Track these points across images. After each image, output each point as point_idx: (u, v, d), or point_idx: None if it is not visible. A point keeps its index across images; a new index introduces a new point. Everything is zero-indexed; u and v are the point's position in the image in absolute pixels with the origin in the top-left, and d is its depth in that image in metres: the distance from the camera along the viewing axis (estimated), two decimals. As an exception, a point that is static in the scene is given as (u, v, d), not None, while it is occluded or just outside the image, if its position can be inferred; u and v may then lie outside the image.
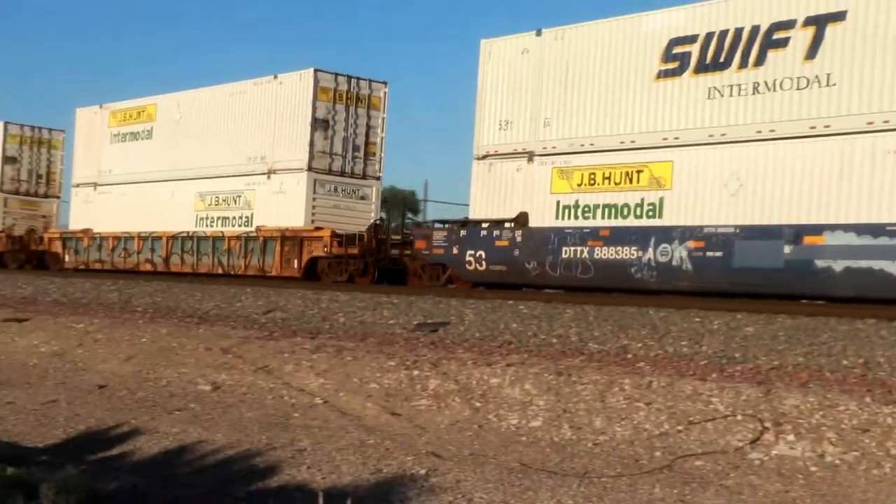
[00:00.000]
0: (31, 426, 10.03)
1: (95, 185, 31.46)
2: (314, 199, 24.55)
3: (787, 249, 15.46)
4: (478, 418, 9.65)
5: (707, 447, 8.18)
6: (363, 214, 25.21)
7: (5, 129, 33.51)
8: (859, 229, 14.81)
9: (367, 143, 25.52)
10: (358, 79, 25.35)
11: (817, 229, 15.28)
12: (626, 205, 18.02)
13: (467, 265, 20.05)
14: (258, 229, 25.63)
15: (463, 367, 10.65)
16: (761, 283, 15.92)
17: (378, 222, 24.59)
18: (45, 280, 24.01)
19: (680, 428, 8.54)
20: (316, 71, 24.48)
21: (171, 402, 11.01)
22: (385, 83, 25.93)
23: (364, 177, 25.68)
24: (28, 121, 34.75)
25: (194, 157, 27.60)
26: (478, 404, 9.90)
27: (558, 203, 19.07)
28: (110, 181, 30.90)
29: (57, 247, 32.32)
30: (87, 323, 15.74)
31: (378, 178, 26.06)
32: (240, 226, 26.30)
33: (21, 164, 33.12)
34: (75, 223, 32.19)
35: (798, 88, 15.82)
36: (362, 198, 25.60)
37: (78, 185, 32.32)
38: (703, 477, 7.55)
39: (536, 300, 16.47)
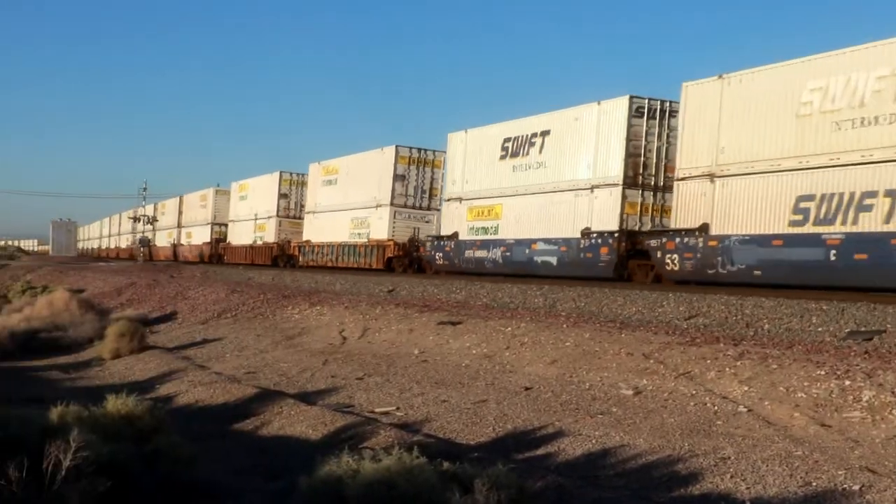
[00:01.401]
0: (464, 424, 10.85)
1: (314, 212, 47.84)
2: (394, 222, 40.13)
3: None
4: (923, 434, 8.75)
5: None
6: (428, 230, 39.88)
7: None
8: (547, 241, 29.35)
9: (430, 188, 40.66)
10: (424, 149, 40.67)
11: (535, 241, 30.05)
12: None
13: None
14: (368, 240, 41.47)
15: (904, 377, 9.72)
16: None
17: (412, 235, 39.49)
18: (476, 285, 25.69)
19: None
20: (397, 147, 40.31)
21: (593, 405, 11.28)
22: (443, 152, 37.97)
23: (429, 208, 40.70)
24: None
25: (349, 197, 44.00)
26: (923, 419, 8.97)
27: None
28: (319, 210, 47.31)
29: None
30: (514, 326, 16.38)
31: (438, 210, 39.79)
32: (364, 238, 42.05)
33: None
34: (313, 236, 47.63)
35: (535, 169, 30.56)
36: (427, 221, 40.43)
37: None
38: None
39: None
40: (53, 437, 6.15)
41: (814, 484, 7.51)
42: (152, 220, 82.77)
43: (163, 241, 78.86)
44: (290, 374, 15.61)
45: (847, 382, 10.06)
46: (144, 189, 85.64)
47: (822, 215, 20.37)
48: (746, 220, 22.22)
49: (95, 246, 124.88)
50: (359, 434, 10.17)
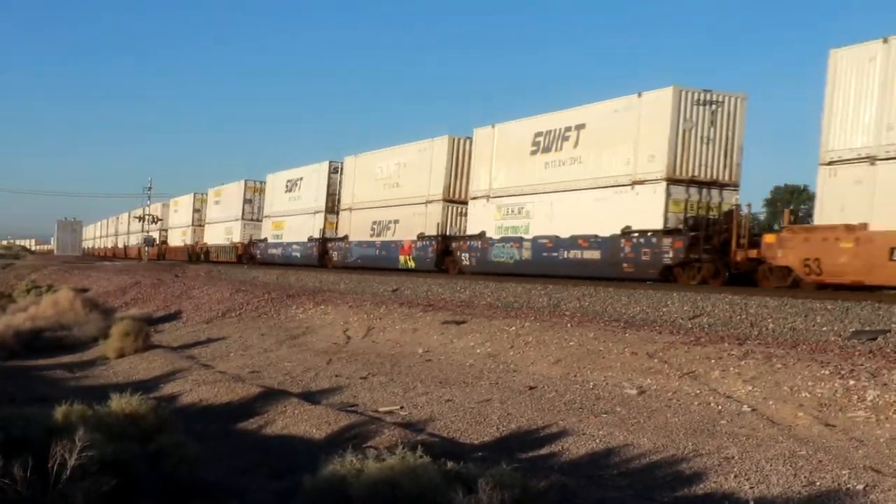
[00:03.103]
0: (468, 424, 10.85)
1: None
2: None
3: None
4: (928, 434, 8.74)
5: None
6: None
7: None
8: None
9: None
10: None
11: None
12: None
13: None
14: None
15: (908, 377, 9.71)
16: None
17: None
18: (480, 284, 25.69)
19: None
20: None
21: (597, 404, 11.28)
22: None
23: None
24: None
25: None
26: (927, 418, 8.96)
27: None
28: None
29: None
30: (518, 326, 16.36)
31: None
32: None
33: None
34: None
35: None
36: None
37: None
38: None
39: None
40: (58, 437, 6.18)
41: (818, 484, 7.51)
42: (157, 220, 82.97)
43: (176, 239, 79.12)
44: (295, 373, 15.63)
45: (851, 382, 10.05)
46: (149, 188, 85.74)
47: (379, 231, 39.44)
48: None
49: (100, 245, 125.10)
50: (363, 433, 10.17)
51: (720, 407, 10.52)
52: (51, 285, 40.52)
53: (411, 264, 36.87)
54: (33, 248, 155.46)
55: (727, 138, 25.86)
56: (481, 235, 32.88)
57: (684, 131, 25.17)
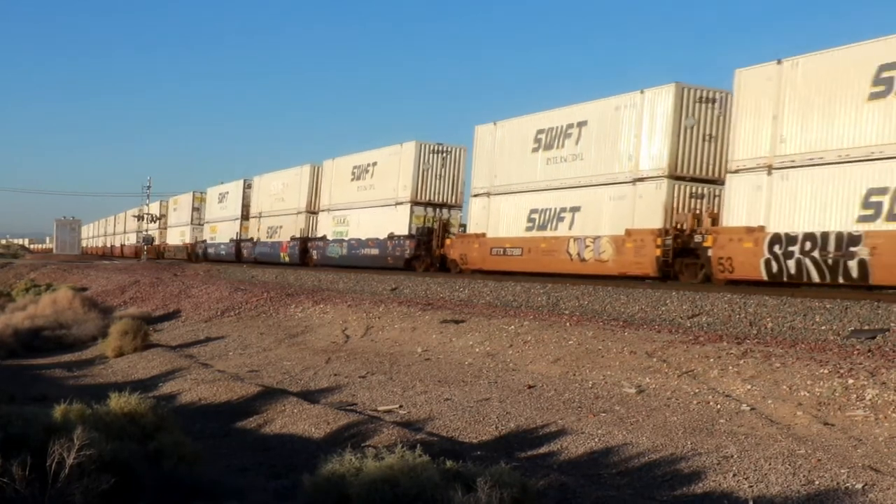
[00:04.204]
0: (467, 423, 10.85)
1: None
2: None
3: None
4: (926, 433, 8.74)
5: None
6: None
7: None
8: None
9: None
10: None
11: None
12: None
13: None
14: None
15: (907, 375, 9.71)
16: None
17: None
18: (479, 283, 25.69)
19: None
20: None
21: (596, 403, 11.29)
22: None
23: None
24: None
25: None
26: (926, 417, 8.97)
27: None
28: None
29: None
30: (517, 325, 16.39)
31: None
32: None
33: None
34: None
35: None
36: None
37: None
38: None
39: None
40: (57, 436, 6.16)
41: (816, 482, 7.51)
42: (156, 218, 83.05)
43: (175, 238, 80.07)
44: (293, 372, 15.62)
45: (850, 381, 10.06)
46: (149, 187, 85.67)
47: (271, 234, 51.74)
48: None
49: (100, 244, 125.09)
50: (362, 432, 10.17)
51: (719, 406, 10.53)
52: (49, 284, 40.49)
53: (287, 259, 48.44)
54: (27, 247, 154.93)
55: (454, 176, 38.04)
56: (323, 237, 44.91)
57: (424, 170, 37.53)
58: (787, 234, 20.28)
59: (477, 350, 15.57)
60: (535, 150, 30.18)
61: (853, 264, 18.55)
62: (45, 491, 5.87)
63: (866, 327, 13.72)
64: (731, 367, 11.58)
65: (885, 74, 21.11)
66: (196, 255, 66.67)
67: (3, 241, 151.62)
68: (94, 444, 6.20)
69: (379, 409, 12.01)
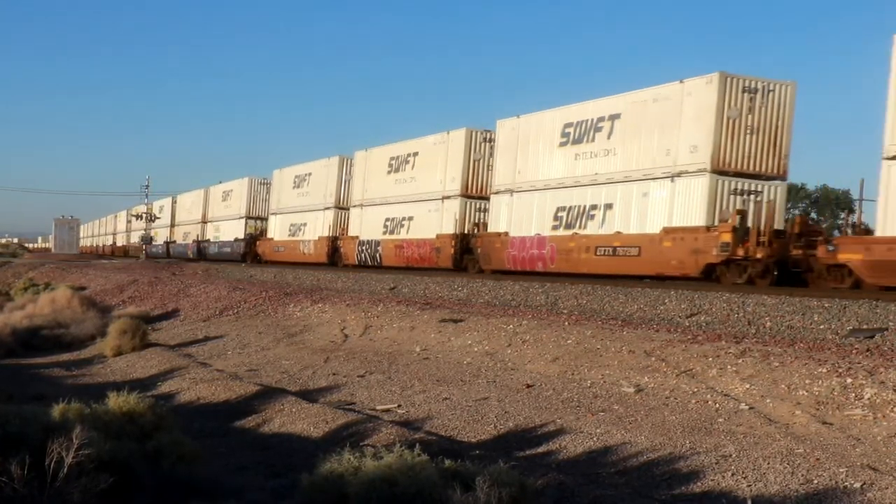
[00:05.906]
0: (465, 422, 10.84)
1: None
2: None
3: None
4: (925, 432, 8.75)
5: None
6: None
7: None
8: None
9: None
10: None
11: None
12: None
13: None
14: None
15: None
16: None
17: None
18: (478, 282, 25.69)
19: None
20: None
21: (594, 403, 11.29)
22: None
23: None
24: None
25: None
26: (924, 417, 8.97)
27: None
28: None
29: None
30: (515, 324, 16.36)
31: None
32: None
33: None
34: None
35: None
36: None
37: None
38: None
39: None
40: (56, 435, 6.16)
41: (815, 482, 7.52)
42: (154, 218, 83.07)
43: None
44: (292, 371, 15.62)
45: (849, 380, 10.06)
46: (147, 186, 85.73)
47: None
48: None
49: (99, 243, 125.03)
50: (360, 432, 10.17)
51: (717, 405, 10.53)
52: (48, 283, 40.50)
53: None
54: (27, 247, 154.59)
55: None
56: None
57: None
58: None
59: (475, 349, 15.56)
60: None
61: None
62: (44, 490, 5.87)
63: (865, 326, 13.73)
64: (729, 367, 11.58)
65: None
66: (170, 253, 75.77)
67: (3, 241, 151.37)
68: (93, 444, 6.20)
69: (377, 408, 12.01)
